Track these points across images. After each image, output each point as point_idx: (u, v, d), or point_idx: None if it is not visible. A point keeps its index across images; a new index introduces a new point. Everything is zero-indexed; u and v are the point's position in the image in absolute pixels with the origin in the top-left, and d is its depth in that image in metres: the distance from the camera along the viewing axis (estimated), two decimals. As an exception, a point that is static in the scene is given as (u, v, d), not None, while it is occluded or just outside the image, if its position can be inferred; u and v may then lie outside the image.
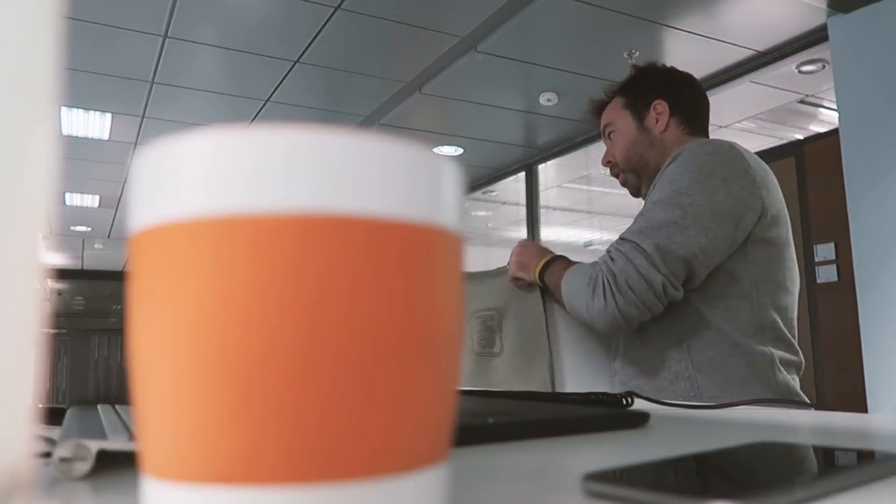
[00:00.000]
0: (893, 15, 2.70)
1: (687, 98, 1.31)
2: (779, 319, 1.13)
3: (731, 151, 1.15)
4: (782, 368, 1.11)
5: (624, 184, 1.32)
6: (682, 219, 1.08)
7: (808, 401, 1.13)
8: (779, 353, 1.11)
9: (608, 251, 1.12)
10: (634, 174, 1.30)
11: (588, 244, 7.68)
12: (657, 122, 1.27)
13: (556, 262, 1.20)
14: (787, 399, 1.08)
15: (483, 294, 1.31)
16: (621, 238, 1.12)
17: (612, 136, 1.32)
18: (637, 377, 1.16)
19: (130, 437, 0.40)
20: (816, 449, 0.37)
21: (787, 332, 1.14)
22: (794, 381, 1.14)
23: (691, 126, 1.29)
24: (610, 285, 1.08)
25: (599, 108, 1.37)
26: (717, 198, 1.09)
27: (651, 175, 1.27)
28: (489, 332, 1.29)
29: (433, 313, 0.21)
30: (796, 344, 1.16)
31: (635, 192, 1.32)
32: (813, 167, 3.40)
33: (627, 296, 1.07)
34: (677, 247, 1.07)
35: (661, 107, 1.27)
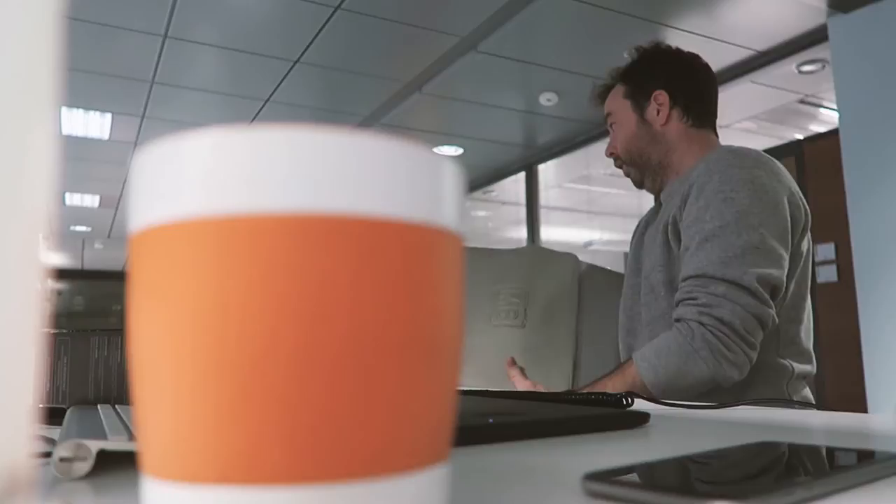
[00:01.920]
0: (893, 15, 2.70)
1: (689, 87, 1.23)
2: (800, 331, 1.11)
3: (770, 163, 1.10)
4: (798, 382, 1.10)
5: (626, 175, 1.28)
6: (762, 242, 1.01)
7: (812, 402, 1.12)
8: (798, 368, 1.09)
9: (693, 298, 1.01)
10: (636, 169, 1.25)
11: (588, 244, 7.68)
12: (658, 114, 1.21)
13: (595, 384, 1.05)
14: (788, 399, 1.08)
15: (510, 273, 1.30)
16: (704, 276, 1.00)
17: (613, 126, 1.26)
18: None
19: (130, 437, 0.40)
20: (816, 449, 0.37)
21: (805, 344, 1.11)
22: (807, 391, 1.12)
23: (695, 117, 1.21)
24: (728, 336, 0.98)
25: (603, 92, 1.30)
26: (779, 214, 1.04)
27: (654, 170, 1.23)
28: (513, 307, 1.26)
29: (433, 313, 0.21)
30: (811, 350, 1.13)
31: (638, 185, 1.27)
32: (813, 167, 3.41)
33: (749, 340, 0.98)
34: (769, 274, 1.00)
35: (661, 98, 1.21)
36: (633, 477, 0.30)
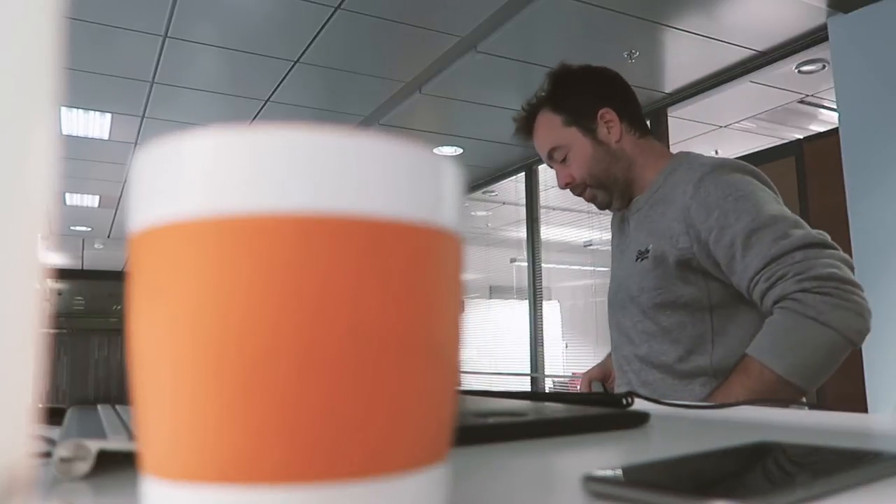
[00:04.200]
0: (893, 15, 2.70)
1: (625, 99, 1.23)
2: None
3: (747, 166, 1.14)
4: None
5: (592, 200, 1.24)
6: (795, 218, 1.04)
7: (804, 401, 1.13)
8: None
9: (781, 276, 0.97)
10: (603, 190, 1.22)
11: (588, 244, 7.67)
12: (609, 132, 1.19)
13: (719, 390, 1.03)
14: (787, 399, 1.08)
15: None
16: (772, 261, 0.99)
17: (567, 157, 1.21)
18: (656, 373, 1.16)
19: (130, 437, 0.40)
20: (816, 449, 0.37)
21: None
22: None
23: (638, 127, 1.22)
24: (837, 287, 0.95)
25: (525, 128, 1.26)
26: (781, 202, 1.09)
27: (622, 188, 1.21)
28: None
29: (433, 313, 0.21)
30: None
31: (604, 207, 1.25)
32: (813, 167, 3.40)
33: (855, 282, 0.97)
34: (819, 232, 1.02)
35: (609, 115, 1.19)
36: (634, 477, 0.30)
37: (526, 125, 1.27)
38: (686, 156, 1.21)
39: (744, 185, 1.07)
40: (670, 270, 1.12)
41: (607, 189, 1.22)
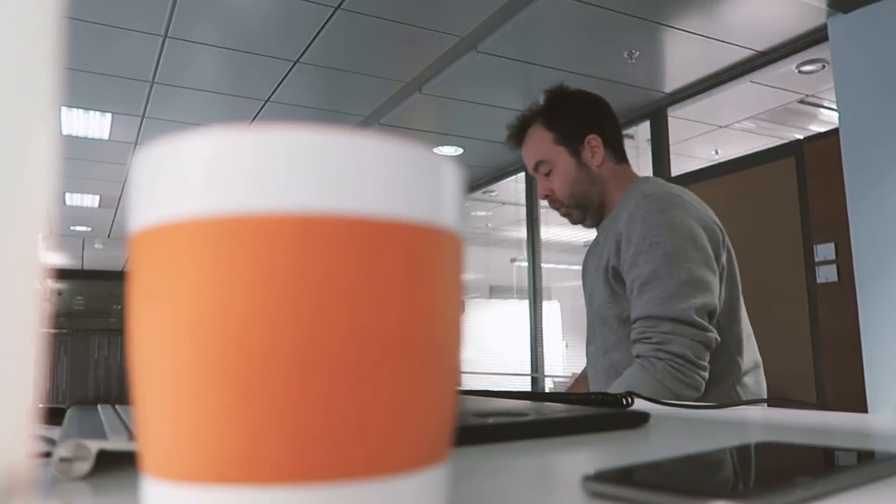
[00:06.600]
0: (893, 15, 2.70)
1: (613, 128, 1.32)
2: (742, 327, 1.21)
3: (680, 200, 1.20)
4: (743, 379, 1.20)
5: (566, 216, 1.33)
6: (691, 276, 1.12)
7: (765, 397, 1.21)
8: (747, 360, 1.20)
9: (647, 337, 1.12)
10: (579, 210, 1.31)
11: (588, 244, 7.67)
12: (592, 157, 1.28)
13: None
14: (786, 399, 1.10)
15: None
16: (650, 317, 1.12)
17: (551, 173, 1.31)
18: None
19: (130, 437, 0.40)
20: (816, 449, 0.37)
21: (749, 339, 1.23)
22: (759, 385, 1.21)
23: (618, 155, 1.31)
24: (682, 366, 1.10)
25: (519, 133, 1.35)
26: (698, 245, 1.15)
27: (596, 209, 1.30)
28: None
29: (433, 313, 0.21)
30: (754, 346, 1.24)
31: (576, 223, 1.35)
32: (813, 167, 3.40)
33: (700, 364, 1.11)
34: (703, 304, 1.11)
35: (595, 141, 1.28)
36: (634, 477, 0.30)
37: (518, 134, 1.37)
38: (644, 181, 1.29)
39: (664, 229, 1.15)
40: (611, 285, 1.23)
41: (583, 209, 1.32)
